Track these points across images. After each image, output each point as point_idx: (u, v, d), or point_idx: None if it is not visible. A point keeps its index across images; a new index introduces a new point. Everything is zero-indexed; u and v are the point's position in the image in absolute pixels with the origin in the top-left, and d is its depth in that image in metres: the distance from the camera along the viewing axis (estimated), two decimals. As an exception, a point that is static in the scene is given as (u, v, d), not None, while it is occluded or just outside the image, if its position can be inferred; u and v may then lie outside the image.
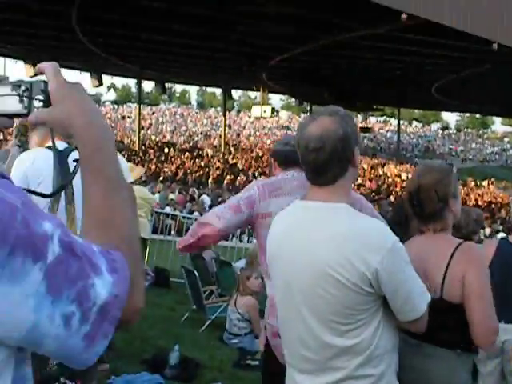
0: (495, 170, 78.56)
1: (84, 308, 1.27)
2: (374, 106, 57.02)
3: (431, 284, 3.15)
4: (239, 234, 21.84)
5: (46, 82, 1.54)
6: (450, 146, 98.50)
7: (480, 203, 46.89)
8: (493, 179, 63.93)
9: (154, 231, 18.89)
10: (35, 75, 1.58)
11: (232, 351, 8.89)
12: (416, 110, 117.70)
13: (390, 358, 2.87)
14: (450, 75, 37.17)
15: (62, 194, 5.06)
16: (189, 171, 44.28)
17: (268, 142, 68.87)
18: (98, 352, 1.32)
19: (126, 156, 34.70)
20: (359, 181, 47.12)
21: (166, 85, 50.29)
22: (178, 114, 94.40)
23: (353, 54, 34.15)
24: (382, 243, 2.70)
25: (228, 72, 43.72)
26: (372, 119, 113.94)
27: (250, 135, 75.87)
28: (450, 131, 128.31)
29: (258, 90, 42.86)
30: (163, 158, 47.68)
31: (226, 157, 50.55)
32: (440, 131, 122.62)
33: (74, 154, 5.36)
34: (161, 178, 39.73)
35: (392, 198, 44.65)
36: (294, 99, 66.90)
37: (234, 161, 49.90)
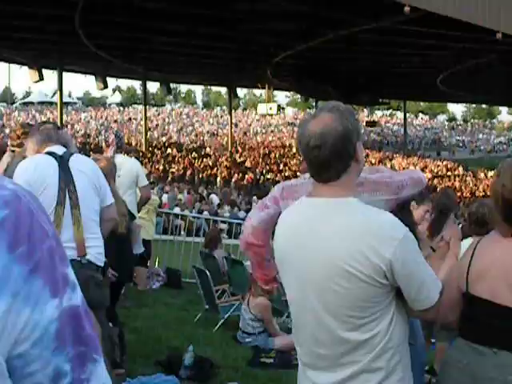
0: (503, 160, 78.27)
1: (76, 376, 1.22)
2: (380, 100, 56.91)
3: None
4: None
5: None
6: (457, 138, 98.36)
7: (489, 193, 46.74)
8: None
9: (164, 232, 18.88)
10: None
11: (246, 350, 8.88)
12: (422, 103, 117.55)
13: (403, 350, 2.89)
14: (455, 66, 37.10)
15: (67, 198, 5.07)
16: (196, 171, 44.28)
17: (275, 139, 68.86)
18: None
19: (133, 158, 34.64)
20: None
21: (171, 85, 50.30)
22: (183, 114, 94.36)
23: (357, 49, 34.14)
24: (394, 234, 2.71)
25: (233, 70, 43.71)
26: (378, 113, 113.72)
27: (256, 133, 75.81)
28: (457, 122, 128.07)
29: (263, 88, 42.79)
30: (170, 159, 47.71)
31: (233, 155, 50.53)
32: (447, 123, 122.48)
33: (74, 158, 5.36)
34: (169, 179, 39.75)
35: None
36: (299, 96, 66.92)
37: (242, 159, 49.88)
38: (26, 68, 34.95)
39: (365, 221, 2.77)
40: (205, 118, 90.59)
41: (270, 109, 40.48)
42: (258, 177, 44.36)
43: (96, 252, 5.24)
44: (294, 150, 56.68)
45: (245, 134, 74.12)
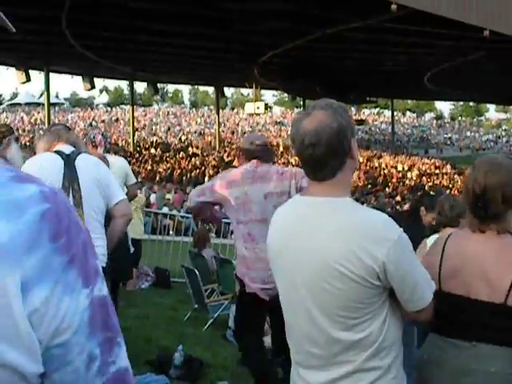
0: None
1: (104, 359, 1.26)
2: (368, 98, 57.07)
3: (492, 287, 3.04)
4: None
5: None
6: (445, 136, 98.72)
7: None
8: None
9: (153, 232, 18.87)
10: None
11: (236, 349, 8.85)
12: (409, 101, 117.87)
13: (396, 350, 2.88)
14: (443, 64, 37.20)
15: (71, 197, 5.07)
16: (184, 171, 44.26)
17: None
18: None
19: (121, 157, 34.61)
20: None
21: (159, 85, 50.30)
22: (171, 113, 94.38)
23: (344, 47, 34.21)
24: (387, 235, 2.70)
25: (220, 70, 43.74)
26: (366, 111, 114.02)
27: (244, 132, 75.85)
28: (445, 120, 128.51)
29: (251, 87, 42.85)
30: (158, 159, 47.69)
31: (221, 155, 50.54)
32: (434, 121, 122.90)
33: (80, 157, 5.36)
34: (157, 179, 39.72)
35: (388, 190, 44.75)
36: (286, 95, 67.00)
37: (230, 158, 49.88)
38: (12, 69, 34.94)
39: (358, 221, 2.76)
40: (192, 117, 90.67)
41: (258, 108, 40.53)
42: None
43: (99, 252, 5.18)
44: (282, 148, 56.75)
45: (232, 133, 74.19)
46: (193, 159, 48.25)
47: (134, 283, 12.66)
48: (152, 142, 56.84)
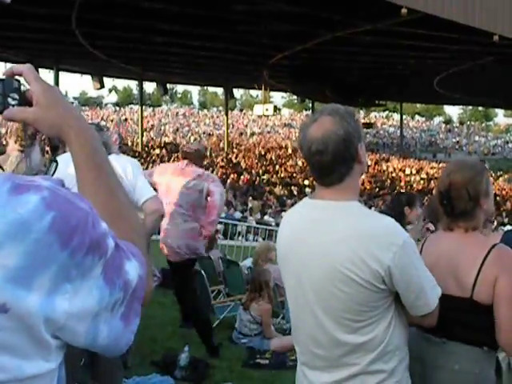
0: (499, 162, 78.45)
1: (126, 293, 1.38)
2: (376, 102, 56.96)
3: (460, 283, 3.14)
4: (245, 233, 21.84)
5: (19, 81, 1.57)
6: (454, 140, 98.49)
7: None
8: (500, 172, 63.76)
9: (159, 232, 18.85)
10: (12, 76, 1.59)
11: (241, 350, 8.87)
12: (418, 105, 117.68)
13: (401, 354, 2.89)
14: (452, 68, 37.15)
15: None
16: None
17: (271, 140, 68.86)
18: (133, 330, 1.44)
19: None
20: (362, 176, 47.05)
21: (168, 86, 50.32)
22: (180, 114, 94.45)
23: (353, 50, 34.18)
24: (394, 240, 2.70)
25: (229, 71, 43.74)
26: (374, 114, 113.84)
27: (252, 134, 75.84)
28: (454, 124, 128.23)
29: (260, 89, 42.84)
30: (166, 159, 47.70)
31: (229, 156, 50.53)
32: (443, 125, 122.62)
33: (109, 158, 5.37)
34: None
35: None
36: (295, 97, 66.96)
37: (238, 160, 49.87)
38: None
39: (365, 226, 2.77)
40: (201, 118, 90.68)
41: (267, 110, 40.52)
42: (253, 178, 44.32)
43: None
44: (290, 151, 56.73)
45: (241, 134, 74.16)
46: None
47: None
48: (160, 143, 56.88)
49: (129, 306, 1.39)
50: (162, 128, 76.02)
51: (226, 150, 52.60)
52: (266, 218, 30.69)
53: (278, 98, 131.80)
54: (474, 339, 3.14)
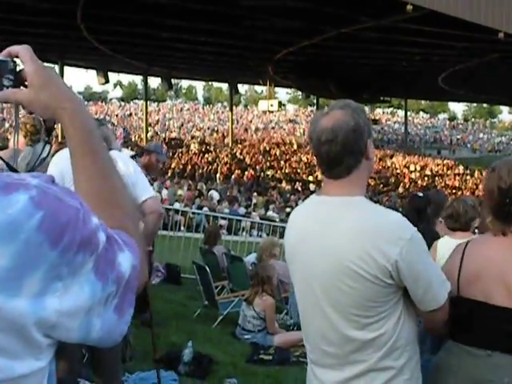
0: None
1: (120, 286, 1.35)
2: (381, 98, 56.90)
3: (509, 292, 2.93)
4: (249, 229, 21.85)
5: (15, 62, 1.58)
6: (458, 137, 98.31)
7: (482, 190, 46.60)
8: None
9: (164, 227, 18.87)
10: (10, 57, 1.59)
11: (245, 346, 8.88)
12: (423, 101, 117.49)
13: (411, 350, 2.87)
14: (457, 65, 37.11)
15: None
16: (197, 167, 44.24)
17: (276, 136, 68.81)
18: (127, 321, 1.41)
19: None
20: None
21: (173, 81, 50.30)
22: (184, 109, 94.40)
23: (359, 46, 34.16)
24: (401, 235, 2.69)
25: (234, 67, 43.72)
26: (379, 111, 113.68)
27: (257, 129, 75.79)
28: (458, 121, 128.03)
29: (265, 84, 42.85)
30: (171, 154, 47.69)
31: (233, 151, 50.53)
32: (447, 122, 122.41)
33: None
34: (169, 175, 39.69)
35: (400, 190, 44.66)
36: (300, 92, 66.91)
37: (242, 156, 49.85)
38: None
39: (373, 220, 2.77)
40: (206, 113, 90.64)
41: (271, 105, 40.53)
42: (258, 173, 44.32)
43: None
44: (295, 146, 56.69)
45: (246, 130, 74.12)
46: (205, 155, 48.22)
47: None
48: (165, 138, 56.86)
49: (122, 297, 1.37)
50: (167, 123, 76.00)
51: (230, 145, 52.58)
52: (270, 213, 30.72)
53: (283, 93, 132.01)
54: None
